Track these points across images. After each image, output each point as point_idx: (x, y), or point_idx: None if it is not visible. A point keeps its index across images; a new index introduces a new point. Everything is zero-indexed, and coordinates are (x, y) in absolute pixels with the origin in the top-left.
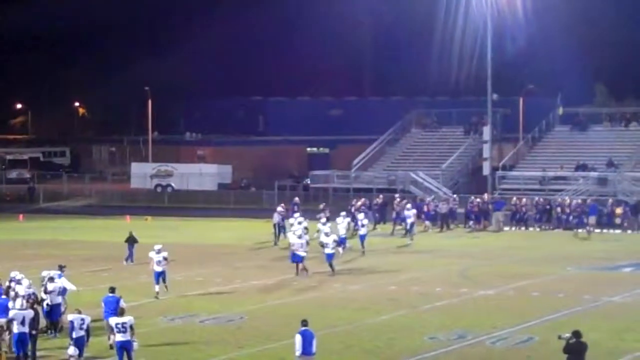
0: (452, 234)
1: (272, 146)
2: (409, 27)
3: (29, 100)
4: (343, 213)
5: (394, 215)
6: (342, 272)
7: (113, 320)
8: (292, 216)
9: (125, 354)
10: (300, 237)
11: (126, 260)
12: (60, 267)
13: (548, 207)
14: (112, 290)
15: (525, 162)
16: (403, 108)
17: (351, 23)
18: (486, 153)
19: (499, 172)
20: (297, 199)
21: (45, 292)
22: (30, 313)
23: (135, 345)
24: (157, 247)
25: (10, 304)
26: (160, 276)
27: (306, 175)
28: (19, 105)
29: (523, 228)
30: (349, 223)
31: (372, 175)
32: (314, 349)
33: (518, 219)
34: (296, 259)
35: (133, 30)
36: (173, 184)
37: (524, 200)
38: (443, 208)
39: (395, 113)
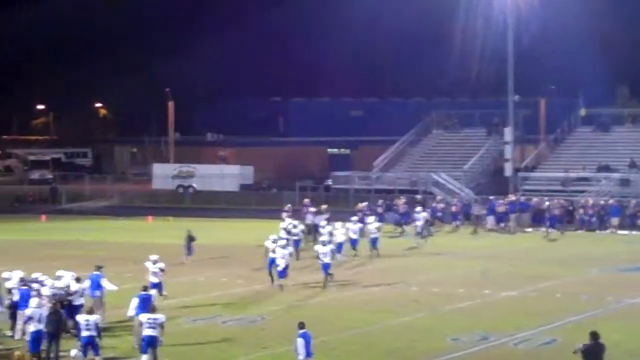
0: (471, 235)
1: (293, 147)
2: (429, 27)
3: (51, 101)
4: (354, 218)
5: (397, 216)
6: (363, 273)
7: (144, 316)
8: (305, 218)
9: (150, 350)
10: (324, 244)
11: (186, 257)
12: (98, 268)
13: (570, 208)
14: (145, 288)
15: (547, 163)
16: (423, 109)
17: (371, 24)
18: (508, 154)
19: (521, 173)
20: (307, 200)
21: (69, 293)
22: (46, 311)
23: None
24: (153, 257)
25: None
26: (156, 287)
27: (327, 176)
28: (40, 106)
29: (544, 229)
30: (360, 229)
31: (393, 177)
32: (311, 350)
33: (540, 220)
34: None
35: (155, 32)
36: (195, 185)
37: (546, 201)
38: (476, 209)
39: (416, 114)
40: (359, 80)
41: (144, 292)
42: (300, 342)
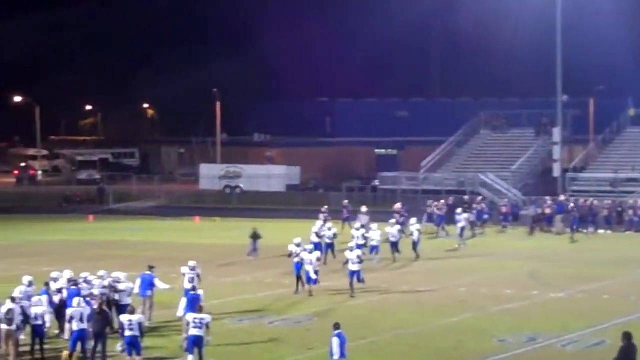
0: (520, 236)
1: (340, 148)
2: (476, 27)
3: (99, 102)
4: (392, 220)
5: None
6: (410, 274)
7: (190, 316)
8: (345, 218)
9: (196, 350)
10: (351, 249)
11: (250, 254)
12: (150, 268)
13: (619, 209)
14: (194, 288)
15: (596, 164)
16: (471, 109)
17: (419, 24)
18: (556, 155)
19: (570, 174)
20: (346, 201)
21: (116, 291)
22: (87, 310)
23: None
24: (191, 263)
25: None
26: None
27: (374, 177)
28: (89, 107)
29: (592, 230)
30: (399, 231)
31: (441, 177)
32: (346, 352)
33: (588, 221)
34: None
35: (202, 32)
36: (242, 185)
37: (595, 202)
38: (531, 210)
39: (463, 114)
40: (406, 80)
41: (192, 292)
42: (335, 342)
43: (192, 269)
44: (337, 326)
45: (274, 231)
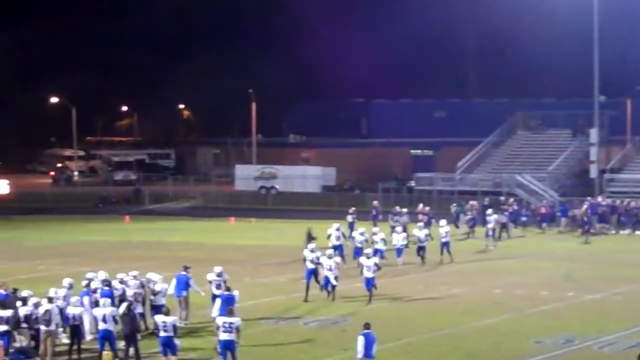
0: (555, 237)
1: (375, 148)
2: (513, 27)
3: (135, 102)
4: (420, 224)
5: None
6: (446, 275)
7: (220, 320)
8: (375, 218)
9: (229, 354)
10: (368, 257)
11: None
12: (186, 268)
13: None
14: (228, 289)
15: (634, 165)
16: (507, 110)
17: (455, 25)
18: (593, 155)
19: (607, 175)
20: (375, 202)
21: (153, 293)
22: (109, 310)
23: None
24: (217, 269)
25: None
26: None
27: (410, 178)
28: (125, 108)
29: (629, 231)
30: (426, 235)
31: (477, 178)
32: (373, 352)
33: (624, 222)
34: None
35: (238, 33)
36: (277, 186)
37: (632, 203)
38: (577, 212)
39: (500, 115)
40: (443, 81)
41: (227, 292)
42: (360, 340)
43: (219, 274)
44: (366, 326)
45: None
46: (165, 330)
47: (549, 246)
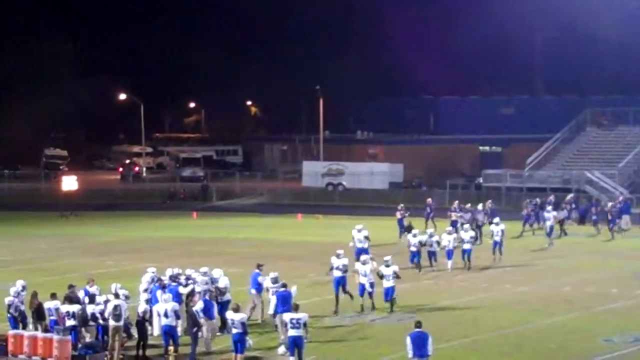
0: (624, 234)
1: (443, 145)
2: (582, 23)
3: (203, 99)
4: (466, 225)
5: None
6: (513, 273)
7: (287, 316)
8: (429, 216)
9: (296, 350)
10: (387, 264)
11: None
12: (259, 266)
13: None
14: (284, 285)
15: None
16: (576, 106)
17: (523, 21)
18: None
19: None
20: (430, 199)
21: (220, 292)
22: (174, 306)
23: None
24: (273, 275)
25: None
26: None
27: (478, 174)
28: (192, 104)
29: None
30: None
31: (545, 174)
32: (429, 350)
33: None
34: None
35: (306, 30)
36: (344, 183)
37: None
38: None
39: (568, 112)
40: (511, 77)
41: (283, 289)
42: (407, 341)
43: (275, 281)
44: (416, 324)
45: (377, 229)
46: (234, 327)
47: (617, 244)
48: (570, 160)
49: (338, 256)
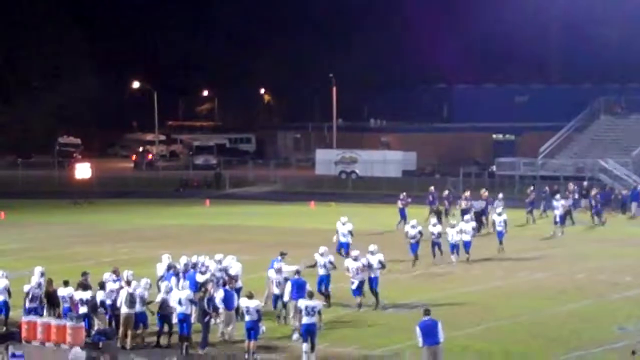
0: (633, 222)
1: (457, 133)
2: (597, 11)
3: (216, 87)
4: (467, 216)
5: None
6: (528, 260)
7: (302, 303)
8: (431, 203)
9: (309, 337)
10: (355, 258)
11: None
12: (282, 254)
13: None
14: (298, 272)
15: None
16: (590, 95)
17: (538, 9)
18: None
19: None
20: (432, 188)
21: (231, 278)
22: (189, 294)
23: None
24: (277, 265)
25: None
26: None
27: (491, 163)
28: (206, 92)
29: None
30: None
31: (559, 163)
32: (440, 338)
33: None
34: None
35: (320, 18)
36: (357, 171)
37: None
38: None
39: (583, 100)
40: (525, 66)
41: (297, 277)
42: (416, 330)
43: (278, 271)
44: (425, 312)
45: (390, 217)
46: (249, 314)
47: (631, 231)
48: (584, 149)
49: (322, 254)
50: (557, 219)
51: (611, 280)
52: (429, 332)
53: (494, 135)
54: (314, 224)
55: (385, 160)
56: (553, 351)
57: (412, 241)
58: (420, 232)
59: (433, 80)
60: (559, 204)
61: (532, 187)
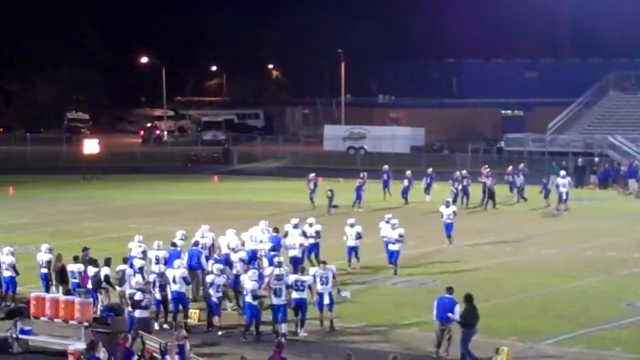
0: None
1: (465, 109)
2: None
3: (225, 63)
4: (449, 199)
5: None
6: (536, 236)
7: (293, 277)
8: (386, 185)
9: (299, 311)
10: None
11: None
12: (276, 230)
13: None
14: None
15: None
16: (601, 70)
17: None
18: None
19: None
20: (386, 166)
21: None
22: (183, 272)
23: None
24: (278, 259)
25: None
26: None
27: (500, 138)
28: (214, 68)
29: None
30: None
31: (568, 139)
32: (456, 315)
33: None
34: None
35: None
36: (365, 146)
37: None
38: None
39: (593, 75)
40: (535, 40)
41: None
42: (434, 303)
43: (278, 265)
44: (448, 290)
45: (398, 192)
46: (299, 291)
47: (637, 208)
48: (592, 125)
49: (310, 225)
50: (563, 197)
51: (620, 257)
52: (445, 309)
53: (503, 111)
54: (322, 200)
55: (393, 136)
56: (561, 327)
57: (449, 221)
58: (454, 212)
59: (442, 55)
60: (565, 182)
61: (522, 164)
